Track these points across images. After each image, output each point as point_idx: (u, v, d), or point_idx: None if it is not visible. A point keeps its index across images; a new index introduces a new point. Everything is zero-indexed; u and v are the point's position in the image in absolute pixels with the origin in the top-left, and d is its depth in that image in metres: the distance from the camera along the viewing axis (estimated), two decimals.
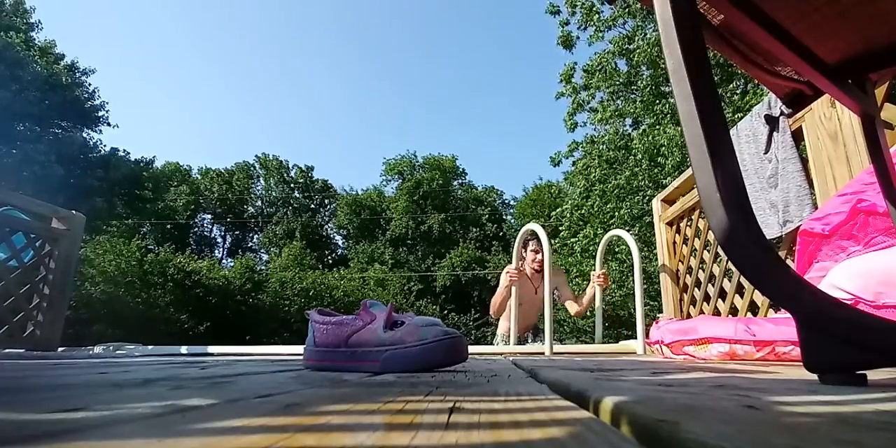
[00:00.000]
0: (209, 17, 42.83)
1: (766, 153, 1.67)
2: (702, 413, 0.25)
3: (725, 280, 1.98)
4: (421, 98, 47.19)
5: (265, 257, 25.35)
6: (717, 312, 2.00)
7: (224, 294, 17.32)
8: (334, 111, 47.22)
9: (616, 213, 8.76)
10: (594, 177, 9.54)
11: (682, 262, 2.39)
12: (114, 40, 41.53)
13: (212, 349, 2.48)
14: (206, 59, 45.10)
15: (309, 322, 0.83)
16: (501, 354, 2.08)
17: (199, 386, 0.47)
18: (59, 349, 2.32)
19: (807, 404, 0.31)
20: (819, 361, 0.46)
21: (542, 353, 2.10)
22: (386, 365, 0.71)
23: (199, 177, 26.74)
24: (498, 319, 3.02)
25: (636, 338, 2.25)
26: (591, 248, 8.97)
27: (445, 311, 19.04)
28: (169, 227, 23.93)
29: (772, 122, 1.64)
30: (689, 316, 2.27)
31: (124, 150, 18.30)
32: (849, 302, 0.94)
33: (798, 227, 1.39)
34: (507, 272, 2.63)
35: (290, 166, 27.49)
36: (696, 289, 2.23)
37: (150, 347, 2.64)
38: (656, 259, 2.72)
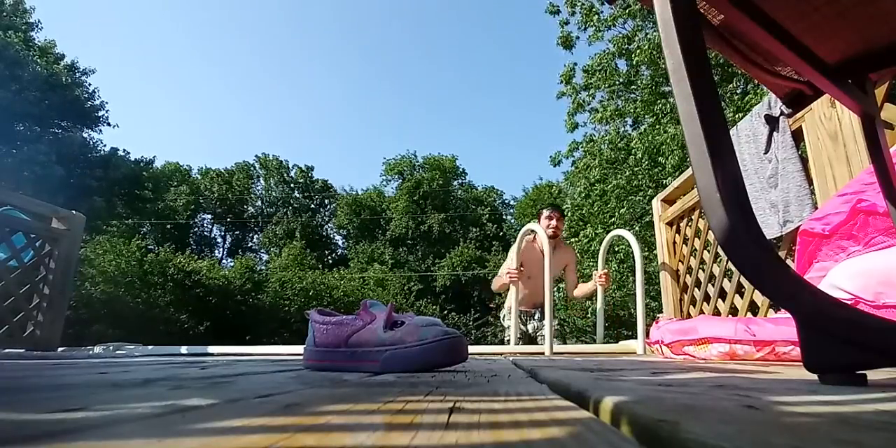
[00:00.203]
0: (209, 17, 42.87)
1: (766, 153, 1.67)
2: (702, 413, 0.25)
3: (725, 280, 1.98)
4: (421, 98, 47.23)
5: (265, 257, 25.36)
6: (717, 312, 2.00)
7: (224, 294, 17.32)
8: (334, 111, 47.27)
9: (616, 213, 8.76)
10: (594, 176, 9.54)
11: (682, 262, 2.39)
12: (114, 40, 41.58)
13: (212, 349, 2.48)
14: (206, 59, 45.14)
15: (309, 322, 0.83)
16: (501, 354, 2.08)
17: (199, 386, 0.47)
18: (59, 349, 2.32)
19: (807, 404, 0.31)
20: (819, 361, 0.46)
21: (542, 353, 2.10)
22: (386, 365, 0.71)
23: (199, 177, 26.74)
24: (498, 294, 3.07)
25: (636, 338, 2.25)
26: (591, 249, 8.96)
27: (445, 311, 19.03)
28: (169, 227, 23.93)
29: (772, 122, 1.64)
30: (689, 316, 2.27)
31: (124, 150, 18.33)
32: (849, 302, 0.94)
33: (798, 227, 1.39)
34: (508, 273, 2.63)
35: (290, 166, 27.51)
36: (696, 289, 2.23)
37: (150, 347, 2.64)
38: (656, 259, 2.72)
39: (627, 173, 8.86)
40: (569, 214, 10.30)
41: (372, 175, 56.41)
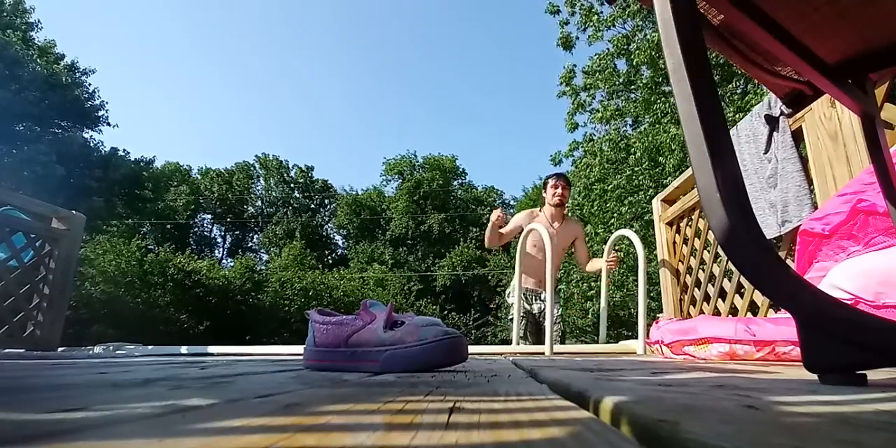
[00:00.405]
0: (209, 17, 42.89)
1: (765, 153, 1.67)
2: (702, 413, 0.25)
3: (725, 280, 1.98)
4: (421, 98, 47.24)
5: (265, 257, 25.37)
6: (717, 312, 2.00)
7: (224, 294, 17.33)
8: (334, 111, 47.28)
9: (618, 212, 8.75)
10: (594, 176, 9.53)
11: (683, 262, 2.39)
12: (114, 40, 41.62)
13: (212, 349, 2.48)
14: (206, 59, 45.17)
15: (309, 322, 0.83)
16: (501, 354, 2.08)
17: (199, 386, 0.47)
18: (59, 349, 2.32)
19: (807, 404, 0.31)
20: (819, 361, 0.46)
21: (542, 353, 2.10)
22: (386, 365, 0.71)
23: (199, 177, 26.74)
24: (491, 250, 3.15)
25: (636, 338, 2.25)
26: (591, 248, 8.94)
27: (445, 311, 19.03)
28: (169, 227, 23.93)
29: (772, 122, 1.64)
30: (689, 316, 2.27)
31: (124, 150, 18.33)
32: (849, 302, 0.94)
33: (798, 227, 1.39)
34: (496, 212, 2.71)
35: (290, 166, 27.51)
36: (696, 289, 2.23)
37: (149, 347, 2.64)
38: (656, 259, 2.72)
39: (628, 173, 8.86)
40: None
41: (372, 175, 56.49)
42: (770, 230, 1.63)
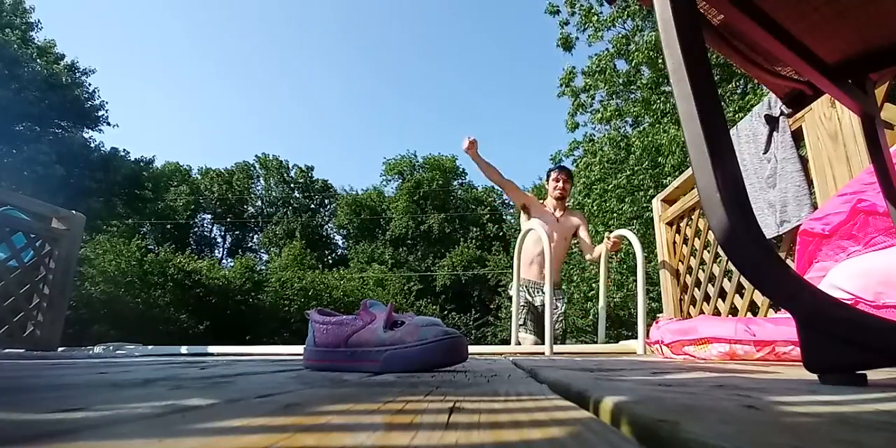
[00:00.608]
0: (209, 17, 42.88)
1: (765, 153, 1.67)
2: (702, 413, 0.25)
3: (725, 280, 1.98)
4: (421, 98, 47.24)
5: (265, 257, 25.37)
6: (717, 312, 2.00)
7: (224, 294, 17.33)
8: (334, 111, 47.28)
9: (619, 210, 8.75)
10: (594, 175, 9.53)
11: (683, 262, 2.39)
12: (114, 40, 41.61)
13: (212, 349, 2.48)
14: (206, 59, 45.15)
15: (309, 322, 0.83)
16: (501, 354, 2.08)
17: (199, 386, 0.47)
18: (59, 349, 2.32)
19: (807, 404, 0.31)
20: (819, 361, 0.46)
21: (542, 353, 2.10)
22: (386, 365, 0.71)
23: (199, 177, 26.74)
24: (500, 187, 3.13)
25: (636, 338, 2.25)
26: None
27: (445, 311, 19.03)
28: (169, 227, 23.93)
29: (772, 122, 1.63)
30: (689, 316, 2.27)
31: (124, 150, 18.30)
32: (849, 302, 0.94)
33: (797, 227, 1.39)
34: (466, 140, 2.71)
35: (290, 166, 27.51)
36: (696, 289, 2.23)
37: (149, 347, 2.64)
38: (656, 259, 2.72)
39: (628, 173, 8.86)
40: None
41: (372, 175, 56.47)
42: (768, 230, 1.63)
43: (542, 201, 2.99)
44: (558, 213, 2.92)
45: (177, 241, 22.43)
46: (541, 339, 2.64)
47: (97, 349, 2.65)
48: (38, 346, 2.19)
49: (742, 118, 1.86)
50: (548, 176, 3.04)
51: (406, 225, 23.51)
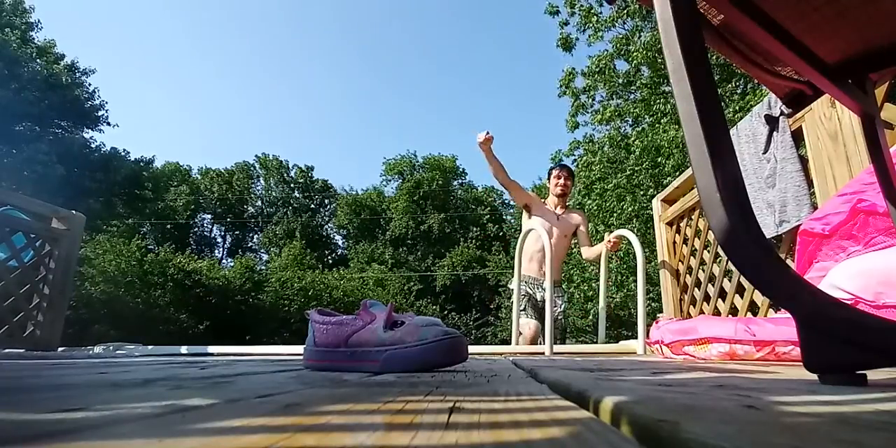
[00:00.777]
0: (209, 17, 42.88)
1: (764, 153, 1.67)
2: (702, 413, 0.25)
3: (725, 280, 1.98)
4: (421, 98, 47.24)
5: (265, 257, 25.37)
6: (717, 312, 2.00)
7: (224, 294, 17.33)
8: (334, 111, 47.28)
9: (617, 211, 8.75)
10: (594, 175, 9.54)
11: (683, 262, 2.39)
12: (114, 40, 41.61)
13: (212, 349, 2.48)
14: (206, 59, 45.15)
15: (309, 322, 0.83)
16: (501, 354, 2.08)
17: (199, 386, 0.47)
18: (59, 349, 2.32)
19: (807, 404, 0.31)
20: (819, 361, 0.46)
21: (542, 353, 2.10)
22: (386, 365, 0.71)
23: (199, 177, 26.75)
24: (505, 188, 3.11)
25: (636, 338, 2.25)
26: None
27: (445, 311, 19.04)
28: (169, 227, 23.94)
29: (772, 122, 1.63)
30: (689, 316, 2.27)
31: (124, 150, 18.29)
32: (849, 302, 0.94)
33: (797, 227, 1.39)
34: (481, 135, 2.71)
35: (290, 166, 27.51)
36: (696, 289, 2.23)
37: (149, 347, 2.64)
38: (656, 259, 2.72)
39: (628, 172, 8.86)
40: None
41: (372, 175, 56.47)
42: (767, 230, 1.63)
43: (543, 200, 3.02)
44: (559, 211, 2.95)
45: (177, 241, 22.43)
46: (541, 324, 2.65)
47: (97, 349, 2.65)
48: (38, 346, 2.19)
49: (742, 118, 1.86)
50: (549, 174, 3.08)
51: (406, 225, 23.51)
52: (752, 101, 7.07)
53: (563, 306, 2.89)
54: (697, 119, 0.49)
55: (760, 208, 1.68)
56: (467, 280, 21.04)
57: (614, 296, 9.30)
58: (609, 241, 2.71)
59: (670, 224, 2.57)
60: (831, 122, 1.41)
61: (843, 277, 1.00)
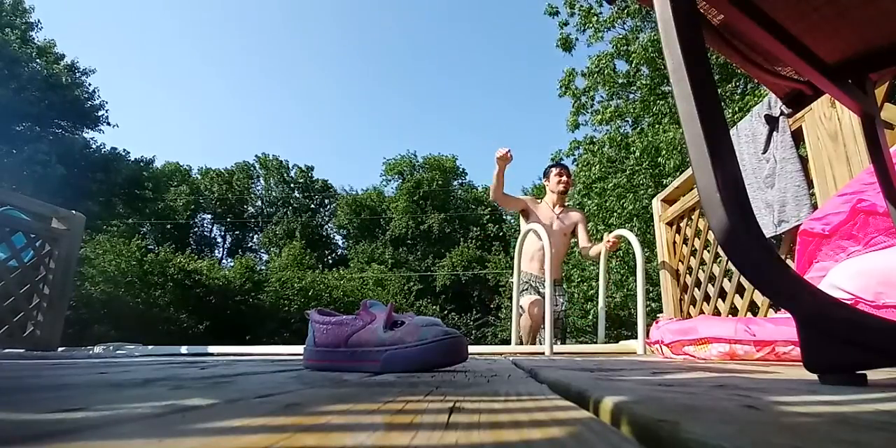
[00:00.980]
0: (209, 17, 42.85)
1: (764, 153, 1.67)
2: (702, 413, 0.25)
3: (725, 280, 1.98)
4: (421, 98, 47.19)
5: (265, 257, 25.36)
6: (717, 312, 2.00)
7: (224, 294, 17.32)
8: (334, 111, 47.21)
9: (617, 211, 8.76)
10: (594, 174, 9.54)
11: (683, 262, 2.39)
12: (114, 40, 41.58)
13: (212, 349, 2.48)
14: (206, 59, 45.11)
15: (309, 322, 0.83)
16: (501, 354, 2.08)
17: (199, 386, 0.47)
18: (59, 349, 2.32)
19: (807, 404, 0.31)
20: (819, 361, 0.46)
21: (542, 353, 2.10)
22: (386, 365, 0.71)
23: (199, 177, 26.74)
24: (500, 206, 3.14)
25: (636, 338, 2.25)
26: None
27: (445, 311, 19.03)
28: (169, 227, 23.93)
29: (772, 122, 1.63)
30: (689, 316, 2.27)
31: (124, 150, 18.29)
32: (849, 302, 0.94)
33: (797, 227, 1.39)
34: (501, 150, 2.68)
35: (290, 166, 27.50)
36: (696, 289, 2.23)
37: (150, 347, 2.64)
38: (656, 259, 2.72)
39: (628, 172, 8.87)
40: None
41: (372, 175, 56.40)
42: (766, 230, 1.62)
43: (539, 200, 3.03)
44: (558, 210, 2.96)
45: (177, 241, 22.43)
46: (542, 299, 2.66)
47: (97, 349, 2.65)
48: (38, 346, 2.19)
49: (742, 118, 1.86)
50: (546, 173, 3.09)
51: (406, 225, 23.50)
52: (751, 101, 7.07)
53: (563, 305, 2.90)
54: (697, 119, 0.49)
55: (759, 208, 1.68)
56: (467, 280, 21.03)
57: (614, 296, 9.31)
58: (608, 240, 2.71)
59: (670, 224, 2.57)
60: (831, 122, 1.41)
61: (843, 277, 1.00)
